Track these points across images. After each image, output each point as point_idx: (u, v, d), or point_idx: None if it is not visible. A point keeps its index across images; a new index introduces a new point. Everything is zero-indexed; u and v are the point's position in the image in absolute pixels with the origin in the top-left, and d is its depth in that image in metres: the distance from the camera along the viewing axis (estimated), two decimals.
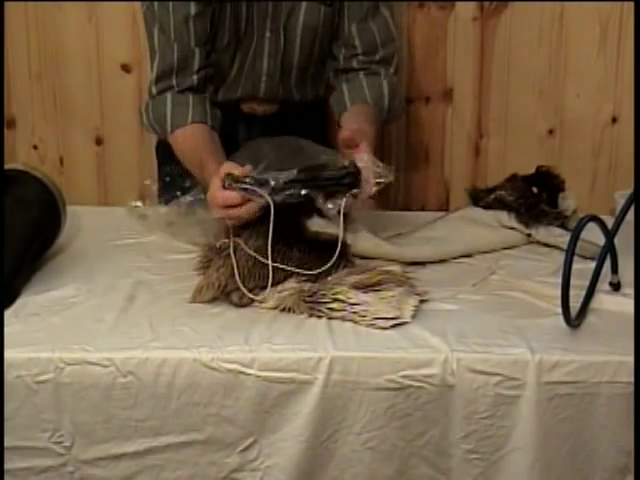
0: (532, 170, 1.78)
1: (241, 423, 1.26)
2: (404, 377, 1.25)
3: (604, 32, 2.27)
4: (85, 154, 2.43)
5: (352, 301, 1.36)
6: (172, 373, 1.25)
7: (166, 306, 1.41)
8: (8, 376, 1.25)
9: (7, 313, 1.37)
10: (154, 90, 1.78)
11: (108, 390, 1.25)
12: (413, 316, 1.35)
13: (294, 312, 1.38)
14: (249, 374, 1.25)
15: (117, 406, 1.26)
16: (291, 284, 1.41)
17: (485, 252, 1.65)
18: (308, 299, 1.37)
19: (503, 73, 2.31)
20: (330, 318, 1.36)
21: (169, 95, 1.76)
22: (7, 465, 1.27)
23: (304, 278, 1.42)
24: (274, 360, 1.25)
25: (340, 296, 1.37)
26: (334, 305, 1.36)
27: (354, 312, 1.35)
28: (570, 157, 2.34)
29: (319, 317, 1.36)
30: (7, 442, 1.26)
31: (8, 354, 1.25)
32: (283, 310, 1.39)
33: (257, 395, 1.25)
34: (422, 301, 1.40)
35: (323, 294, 1.38)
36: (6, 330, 1.31)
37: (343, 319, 1.35)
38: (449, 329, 1.32)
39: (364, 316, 1.34)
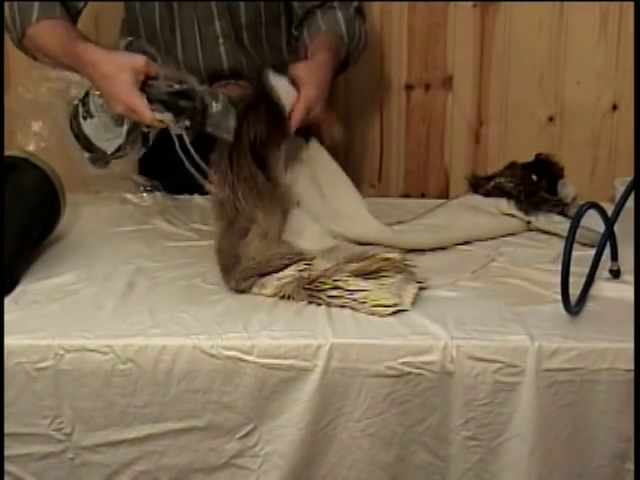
0: (532, 157, 1.78)
1: (240, 410, 1.26)
2: (403, 364, 1.25)
3: (604, 19, 2.26)
4: None
5: (352, 288, 1.35)
6: (172, 360, 1.25)
7: (166, 293, 1.41)
8: (8, 363, 1.25)
9: (7, 300, 1.37)
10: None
11: (108, 377, 1.25)
12: (413, 303, 1.35)
13: (294, 299, 1.38)
14: (248, 361, 1.25)
15: (117, 393, 1.26)
16: (290, 272, 1.41)
17: (485, 239, 1.65)
18: (307, 286, 1.37)
19: (503, 60, 2.31)
20: (329, 305, 1.35)
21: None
22: (7, 452, 1.27)
23: (303, 267, 1.42)
24: (273, 347, 1.25)
25: (340, 283, 1.36)
26: (334, 292, 1.36)
27: (354, 299, 1.35)
28: (570, 144, 2.34)
29: (319, 304, 1.36)
30: (7, 429, 1.26)
31: (8, 341, 1.26)
32: (283, 297, 1.39)
33: (256, 382, 1.25)
34: (421, 288, 1.40)
35: (323, 281, 1.37)
36: (6, 317, 1.31)
37: (343, 306, 1.35)
38: (449, 316, 1.32)
39: (363, 303, 1.34)
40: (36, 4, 1.69)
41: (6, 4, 1.72)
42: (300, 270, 1.40)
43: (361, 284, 1.36)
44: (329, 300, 1.36)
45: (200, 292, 1.42)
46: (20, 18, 1.70)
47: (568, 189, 1.74)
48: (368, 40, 1.94)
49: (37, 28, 1.69)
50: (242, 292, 1.41)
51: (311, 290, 1.37)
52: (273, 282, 1.40)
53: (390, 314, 1.33)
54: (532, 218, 1.69)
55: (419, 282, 1.41)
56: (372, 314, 1.33)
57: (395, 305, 1.33)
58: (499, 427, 1.27)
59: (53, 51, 1.65)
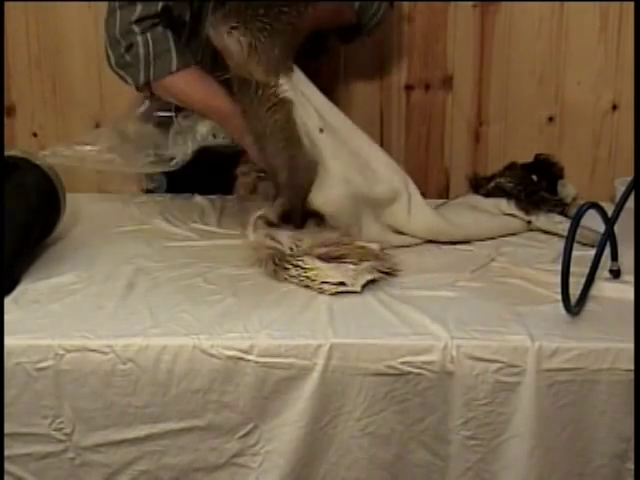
0: (532, 157, 1.78)
1: (241, 409, 1.27)
2: (403, 363, 1.25)
3: (604, 19, 2.26)
4: None
5: (308, 266, 1.42)
6: (172, 360, 1.25)
7: (166, 293, 1.41)
8: (8, 363, 1.25)
9: (7, 300, 1.37)
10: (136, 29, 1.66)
11: (108, 377, 1.26)
12: (364, 287, 1.39)
13: (261, 267, 1.46)
14: (248, 360, 1.25)
15: (117, 393, 1.26)
16: (283, 236, 1.50)
17: (485, 239, 1.65)
18: (277, 262, 1.45)
19: (503, 60, 2.31)
20: (290, 282, 1.43)
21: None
22: (7, 451, 1.27)
23: (299, 238, 1.51)
24: (273, 346, 1.25)
25: (300, 263, 1.43)
26: (293, 272, 1.43)
27: (307, 277, 1.41)
28: (570, 144, 2.34)
29: (282, 280, 1.44)
30: (7, 429, 1.26)
31: (8, 341, 1.26)
32: (259, 262, 1.47)
33: (257, 381, 1.25)
34: (390, 274, 1.44)
35: (288, 259, 1.44)
36: (6, 317, 1.31)
37: (299, 284, 1.42)
38: (449, 316, 1.32)
39: (314, 280, 1.40)
40: (174, 53, 1.66)
41: (139, 52, 1.67)
42: (292, 242, 1.49)
43: (317, 264, 1.42)
44: (289, 278, 1.43)
45: (200, 292, 1.42)
46: (158, 65, 1.66)
47: (568, 189, 1.74)
48: (387, 16, 1.97)
49: (174, 79, 1.67)
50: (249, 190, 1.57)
51: (276, 266, 1.44)
52: (260, 236, 1.50)
53: (334, 293, 1.38)
54: (532, 218, 1.69)
55: (385, 272, 1.44)
56: (319, 291, 1.39)
57: (342, 284, 1.38)
58: (499, 427, 1.27)
59: (195, 103, 1.70)
